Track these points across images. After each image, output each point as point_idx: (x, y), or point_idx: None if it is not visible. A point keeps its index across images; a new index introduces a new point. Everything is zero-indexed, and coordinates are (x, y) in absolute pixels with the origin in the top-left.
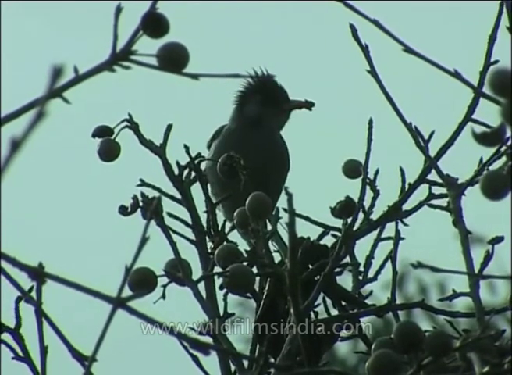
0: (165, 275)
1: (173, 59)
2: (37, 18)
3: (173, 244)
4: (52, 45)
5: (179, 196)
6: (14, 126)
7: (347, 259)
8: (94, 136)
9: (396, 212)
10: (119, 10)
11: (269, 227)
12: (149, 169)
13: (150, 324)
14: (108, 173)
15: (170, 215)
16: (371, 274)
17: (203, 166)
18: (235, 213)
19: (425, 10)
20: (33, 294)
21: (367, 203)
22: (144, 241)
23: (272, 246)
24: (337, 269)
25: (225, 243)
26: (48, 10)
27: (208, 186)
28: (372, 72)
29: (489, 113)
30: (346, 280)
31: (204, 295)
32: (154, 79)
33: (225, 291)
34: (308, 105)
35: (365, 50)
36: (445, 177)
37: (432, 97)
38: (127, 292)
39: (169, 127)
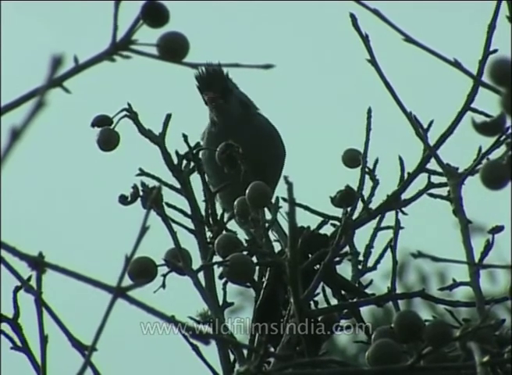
0: (165, 264)
1: (173, 49)
2: (37, 9)
3: (173, 234)
4: (52, 35)
5: (178, 185)
6: (14, 115)
7: (347, 249)
8: (93, 125)
9: (395, 202)
10: (119, 0)
11: (269, 216)
12: (148, 159)
13: (150, 313)
14: (108, 162)
15: (168, 205)
16: (370, 263)
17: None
18: (235, 203)
19: (425, 1)
20: (34, 283)
21: (366, 192)
22: (144, 230)
23: (272, 235)
24: (337, 259)
25: (224, 232)
26: (47, 1)
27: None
28: (372, 61)
29: (489, 102)
30: (345, 270)
31: (204, 285)
32: (153, 68)
33: (224, 280)
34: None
35: (365, 39)
36: (445, 167)
37: (431, 86)
38: (127, 281)
39: (168, 117)
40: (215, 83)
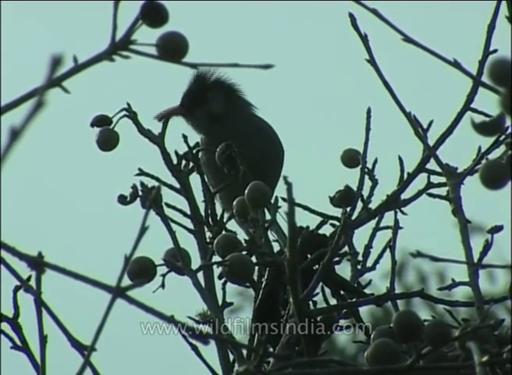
0: (165, 264)
1: (172, 49)
2: (37, 9)
3: (172, 234)
4: (52, 35)
5: (177, 185)
6: (14, 115)
7: (346, 249)
8: (92, 125)
9: (394, 202)
10: (118, 0)
11: (268, 216)
12: (148, 159)
13: (149, 313)
14: (107, 162)
15: (168, 205)
16: (369, 263)
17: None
18: (234, 203)
19: (424, 1)
20: (33, 283)
21: (365, 192)
22: (143, 230)
23: (271, 235)
24: (336, 259)
25: (223, 232)
26: (47, 1)
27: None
28: (371, 61)
29: (488, 102)
30: (344, 270)
31: (203, 285)
32: (153, 68)
33: (223, 280)
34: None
35: (364, 39)
36: (444, 167)
37: (431, 86)
38: (126, 281)
39: None
40: (185, 97)
